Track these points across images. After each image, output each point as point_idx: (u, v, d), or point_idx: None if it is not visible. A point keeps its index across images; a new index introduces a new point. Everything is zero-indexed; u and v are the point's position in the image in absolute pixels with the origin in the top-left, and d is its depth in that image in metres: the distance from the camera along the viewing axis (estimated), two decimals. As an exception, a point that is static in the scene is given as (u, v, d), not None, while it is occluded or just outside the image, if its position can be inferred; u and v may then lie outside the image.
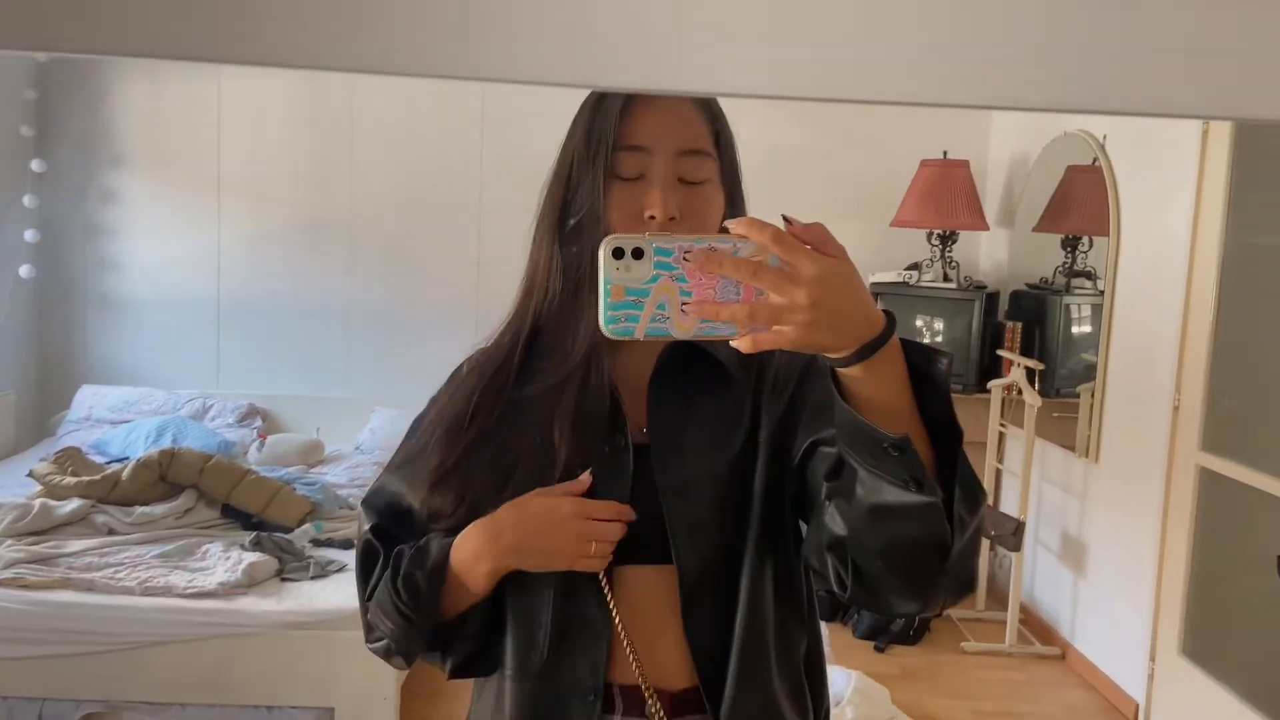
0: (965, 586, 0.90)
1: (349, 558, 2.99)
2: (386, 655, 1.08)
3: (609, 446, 1.01)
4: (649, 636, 1.00)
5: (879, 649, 3.67)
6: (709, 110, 1.01)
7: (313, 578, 2.84)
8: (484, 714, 1.08)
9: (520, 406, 1.02)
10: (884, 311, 0.79)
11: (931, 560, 0.85)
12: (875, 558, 0.87)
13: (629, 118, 0.97)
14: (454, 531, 1.01)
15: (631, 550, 0.99)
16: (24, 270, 4.26)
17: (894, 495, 0.83)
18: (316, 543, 3.11)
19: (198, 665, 2.62)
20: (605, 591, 0.99)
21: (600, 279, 0.75)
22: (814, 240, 0.75)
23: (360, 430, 4.30)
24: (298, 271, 4.53)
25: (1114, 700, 3.40)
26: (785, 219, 0.77)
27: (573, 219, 1.00)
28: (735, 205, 1.04)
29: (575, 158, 1.00)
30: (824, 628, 3.88)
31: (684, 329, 0.75)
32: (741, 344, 0.76)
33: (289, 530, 3.15)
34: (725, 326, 0.75)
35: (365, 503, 1.11)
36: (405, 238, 4.52)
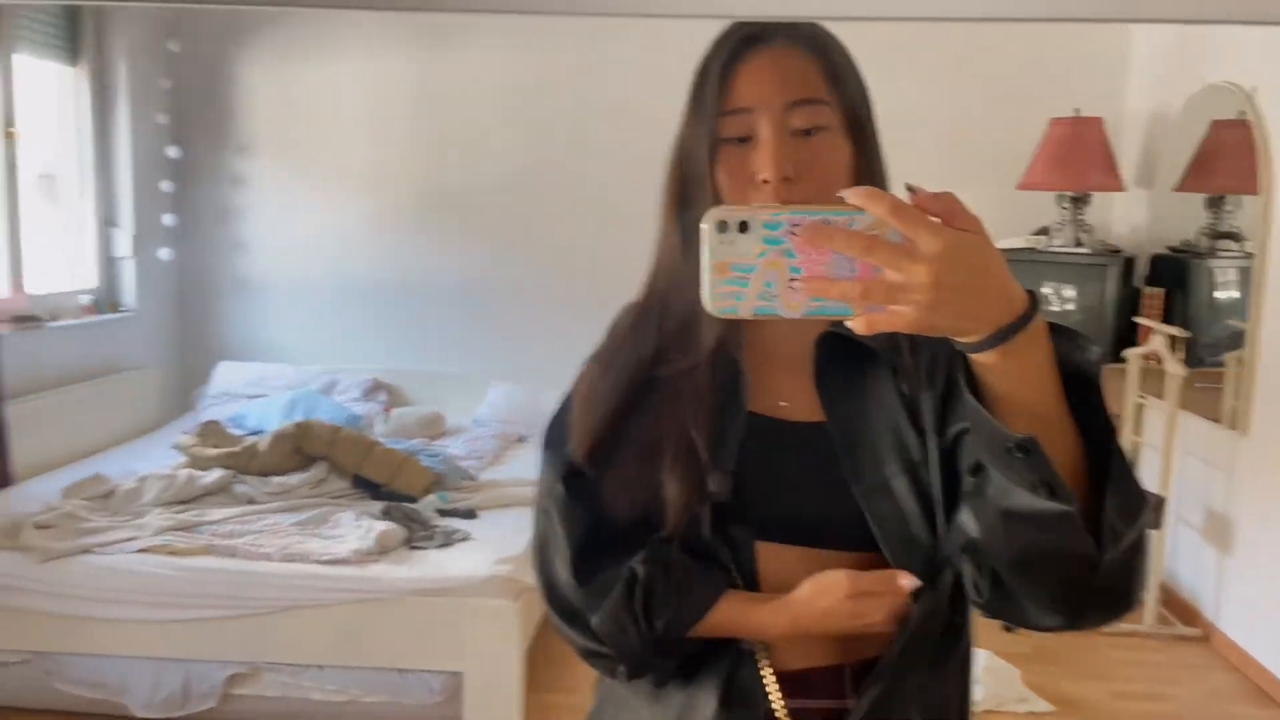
0: (1122, 604, 0.81)
1: (473, 527, 3.05)
2: (591, 654, 1.02)
3: (723, 415, 0.98)
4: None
5: (1008, 628, 3.55)
6: (822, 54, 0.94)
7: (439, 546, 2.90)
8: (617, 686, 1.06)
9: (655, 390, 0.99)
10: (1028, 292, 0.71)
11: (1074, 573, 0.77)
12: (1009, 566, 0.81)
13: (730, 79, 0.92)
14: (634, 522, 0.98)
15: (774, 528, 0.97)
16: (163, 253, 4.46)
17: (1024, 500, 0.75)
18: (441, 512, 3.18)
19: (333, 629, 2.70)
20: (736, 576, 0.97)
21: (703, 254, 0.70)
22: (941, 211, 0.67)
23: (478, 404, 4.38)
24: (417, 249, 4.63)
25: (1263, 684, 3.21)
26: (909, 188, 0.70)
27: (688, 190, 0.96)
28: (865, 152, 0.96)
29: (685, 129, 0.96)
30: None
31: (793, 307, 0.69)
32: (856, 325, 0.69)
33: (414, 500, 3.22)
34: (837, 305, 0.69)
35: (550, 445, 1.04)
36: (520, 213, 4.57)
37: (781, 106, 0.91)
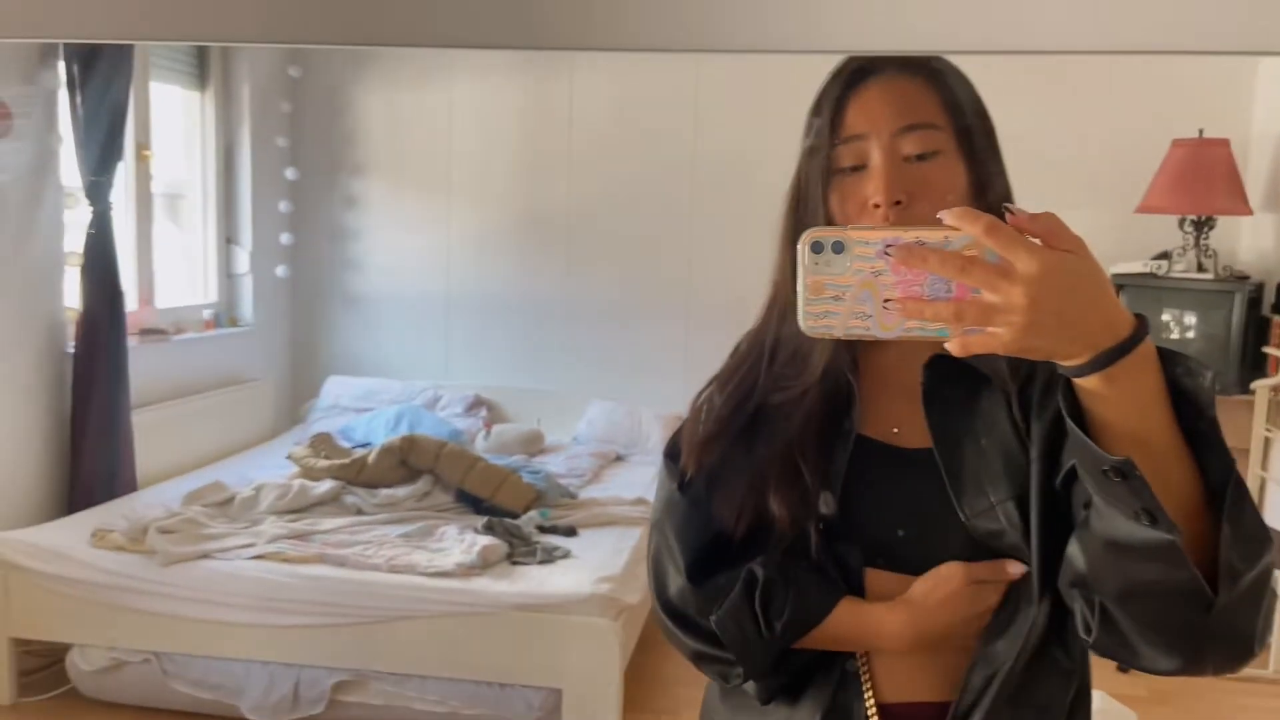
0: (1242, 649, 0.77)
1: (573, 545, 3.07)
2: (709, 661, 1.02)
3: (832, 434, 0.98)
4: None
5: (1123, 669, 3.41)
6: (934, 79, 0.94)
7: (540, 562, 2.92)
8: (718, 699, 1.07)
9: (768, 416, 1.01)
10: (1135, 316, 0.68)
11: (1185, 612, 0.74)
12: (1115, 600, 0.78)
13: (843, 109, 0.94)
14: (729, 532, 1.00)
15: (877, 552, 0.98)
16: (280, 270, 4.64)
17: (1126, 529, 0.72)
18: (542, 529, 3.20)
19: (437, 640, 2.75)
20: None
21: (799, 274, 0.71)
22: (1042, 232, 0.66)
23: (577, 421, 4.41)
24: (519, 268, 4.71)
25: (1407, 742, 3.01)
26: (1007, 209, 0.68)
27: (803, 221, 0.97)
28: (985, 174, 0.95)
29: (801, 160, 0.98)
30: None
31: (888, 328, 0.69)
32: (951, 347, 0.68)
33: (516, 516, 3.26)
34: (933, 327, 0.68)
35: (669, 455, 1.07)
36: (620, 233, 4.61)
37: (891, 132, 0.92)
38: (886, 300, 0.69)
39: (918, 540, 0.96)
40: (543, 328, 4.71)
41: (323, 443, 3.61)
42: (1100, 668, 3.34)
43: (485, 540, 2.94)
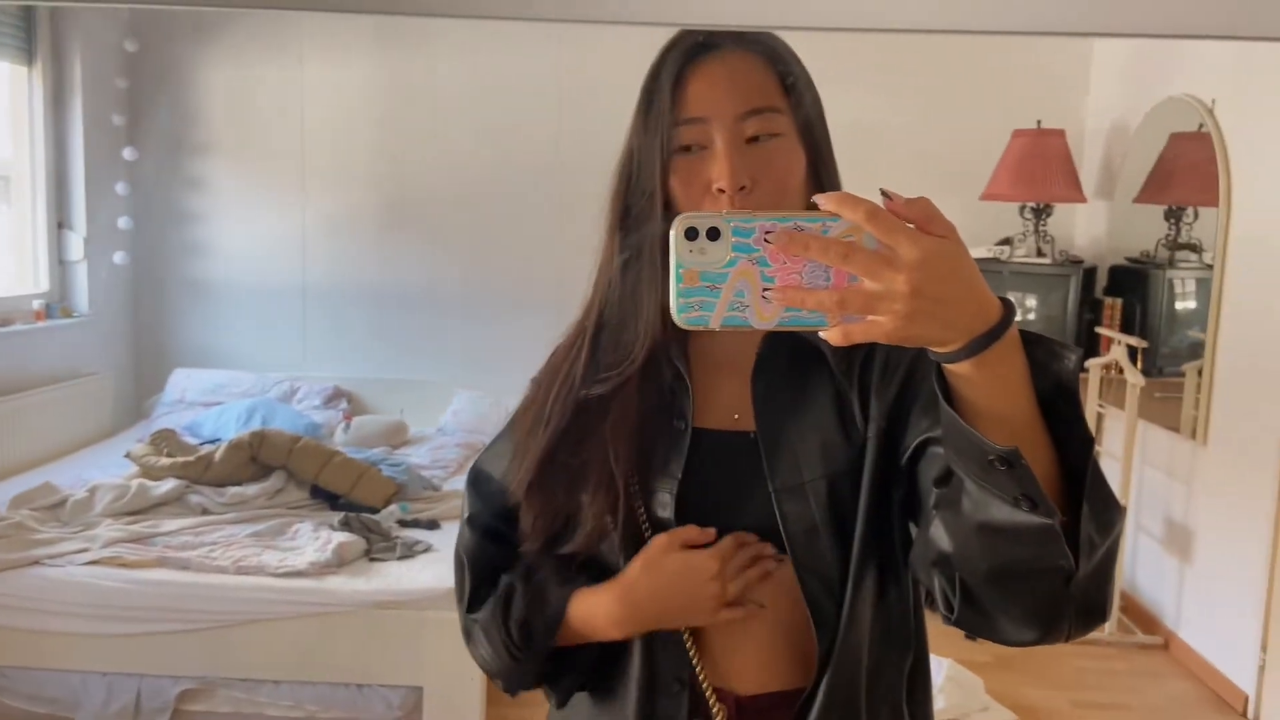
0: (1095, 616, 0.78)
1: (435, 539, 3.01)
2: (489, 675, 1.06)
3: (668, 431, 0.96)
4: (731, 639, 0.96)
5: (971, 636, 3.56)
6: (774, 60, 0.92)
7: (400, 558, 2.85)
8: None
9: (588, 408, 0.97)
10: (1001, 300, 0.68)
11: (1050, 587, 0.75)
12: (984, 580, 0.78)
13: (683, 88, 0.90)
14: (544, 541, 0.99)
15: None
16: (118, 256, 4.37)
17: (1004, 514, 0.72)
18: (403, 523, 3.13)
19: (289, 643, 2.65)
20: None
21: (672, 263, 0.67)
22: (917, 218, 0.65)
23: (443, 412, 4.32)
24: (380, 254, 4.57)
25: (1221, 692, 3.24)
26: (884, 193, 0.67)
27: (635, 203, 0.94)
28: (820, 160, 0.95)
29: (634, 139, 0.94)
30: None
31: (765, 318, 0.67)
32: (831, 335, 0.66)
33: (375, 511, 3.17)
34: (812, 316, 0.66)
35: (471, 484, 1.08)
36: (486, 219, 4.53)
37: (735, 115, 0.89)
38: (766, 290, 0.66)
39: (756, 525, 0.94)
40: (406, 316, 4.59)
41: (165, 440, 3.43)
42: (948, 637, 3.46)
43: (341, 537, 2.85)
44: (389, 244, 4.57)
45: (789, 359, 0.96)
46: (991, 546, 0.75)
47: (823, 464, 0.93)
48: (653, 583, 0.94)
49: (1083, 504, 0.72)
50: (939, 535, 0.80)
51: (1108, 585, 0.77)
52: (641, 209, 0.93)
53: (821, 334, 0.67)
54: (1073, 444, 0.73)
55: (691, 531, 0.94)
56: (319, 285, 4.60)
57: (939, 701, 3.03)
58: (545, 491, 0.97)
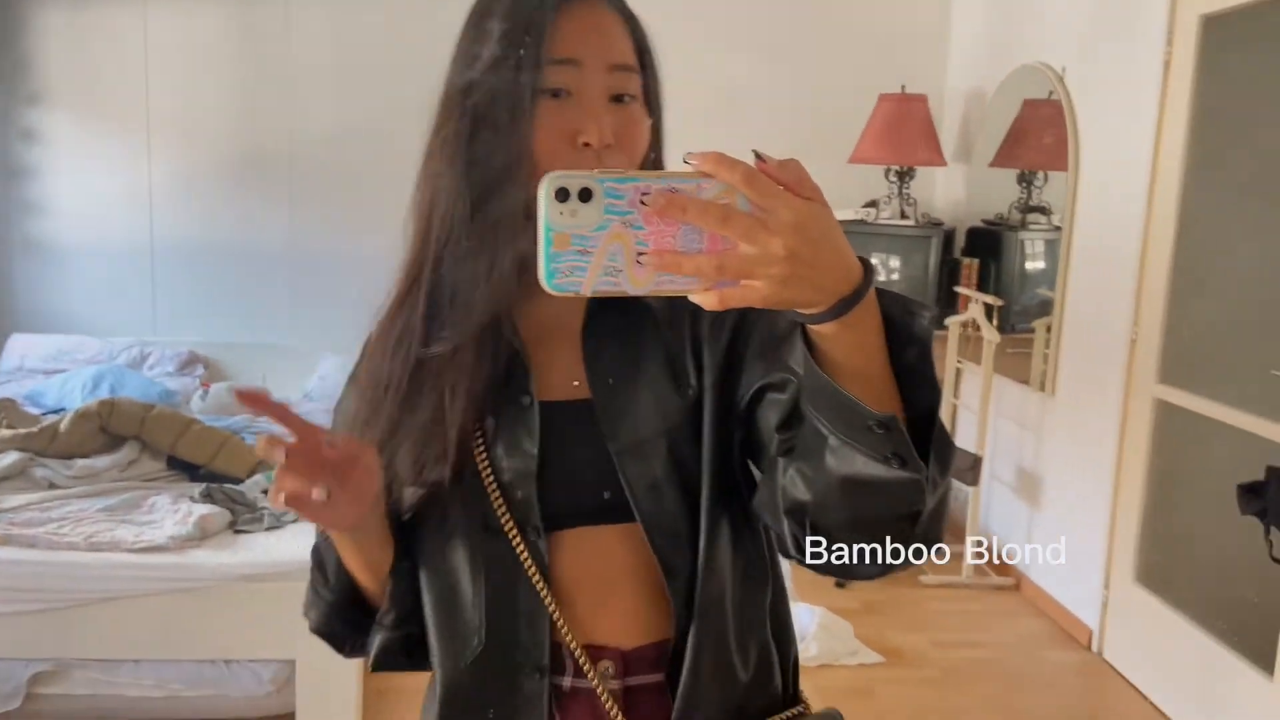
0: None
1: (304, 507, 2.90)
2: (321, 637, 1.06)
3: (514, 407, 0.93)
4: (598, 599, 0.94)
5: (840, 584, 3.70)
6: (633, 24, 0.90)
7: (268, 529, 2.75)
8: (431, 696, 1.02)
9: (427, 369, 0.91)
10: (862, 261, 0.69)
11: (902, 529, 0.78)
12: (842, 528, 0.80)
13: (557, 24, 0.84)
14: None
15: (574, 513, 0.93)
16: (-58, 213, 4.03)
17: (871, 469, 0.74)
18: (269, 493, 3.01)
19: (150, 621, 2.52)
20: (530, 570, 0.92)
21: (540, 225, 0.64)
22: (790, 180, 0.64)
23: (308, 377, 4.17)
24: (235, 212, 4.35)
25: (1068, 628, 3.47)
26: (757, 155, 0.66)
27: (484, 143, 0.87)
28: (657, 135, 0.92)
29: (487, 70, 0.86)
30: (786, 565, 3.85)
31: (639, 283, 0.65)
32: (706, 300, 0.65)
33: (239, 481, 3.04)
34: (685, 280, 0.65)
35: None
36: (349, 174, 4.35)
37: (607, 65, 0.86)
38: (641, 255, 0.64)
39: (595, 490, 0.92)
40: (265, 277, 4.40)
41: (5, 409, 3.19)
42: (816, 586, 3.58)
43: (203, 509, 2.72)
44: (244, 200, 4.36)
45: (618, 319, 0.93)
46: (855, 499, 0.77)
47: (660, 420, 0.92)
48: None
49: (929, 447, 0.74)
50: (794, 486, 0.81)
51: (945, 518, 0.81)
52: (495, 155, 0.86)
53: (694, 298, 0.66)
54: (922, 392, 0.75)
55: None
56: (168, 244, 4.35)
57: (811, 648, 3.14)
58: (393, 460, 0.92)
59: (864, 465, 0.74)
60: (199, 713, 2.62)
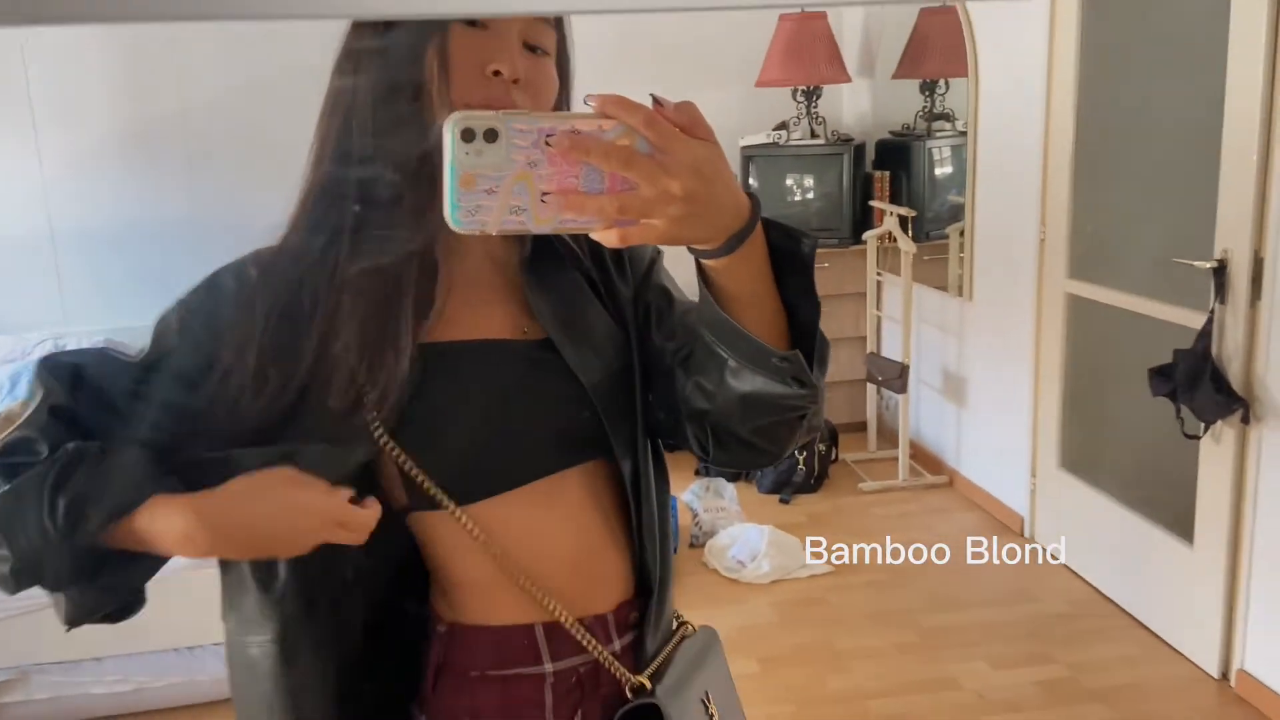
0: (815, 433, 0.94)
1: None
2: None
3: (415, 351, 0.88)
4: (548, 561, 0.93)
5: (784, 500, 3.82)
6: None
7: (215, 512, 2.73)
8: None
9: (337, 287, 0.88)
10: (749, 195, 0.75)
11: (794, 427, 0.87)
12: (746, 434, 0.87)
13: None
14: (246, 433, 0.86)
15: (542, 456, 0.93)
16: None
17: (771, 388, 0.81)
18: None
19: (107, 617, 2.50)
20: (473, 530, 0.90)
21: (446, 164, 0.65)
22: (685, 123, 0.69)
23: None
24: (135, 190, 4.20)
25: (1000, 516, 3.65)
26: (654, 98, 0.70)
27: (393, 61, 0.85)
28: (565, 90, 0.93)
29: None
30: (731, 488, 3.96)
31: (543, 221, 0.67)
32: (607, 238, 0.69)
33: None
34: (587, 219, 0.67)
35: (50, 370, 0.89)
36: (251, 140, 4.22)
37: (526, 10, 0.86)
38: (545, 194, 0.66)
39: (524, 441, 0.92)
40: (174, 254, 4.25)
41: (-80, 422, 3.08)
42: (764, 506, 3.65)
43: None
44: (142, 178, 4.20)
45: (551, 260, 0.95)
46: (753, 410, 0.84)
47: (613, 351, 0.95)
48: (252, 512, 0.84)
49: (813, 354, 0.82)
50: (695, 398, 0.88)
51: (823, 410, 0.90)
52: (410, 72, 0.84)
53: (595, 236, 0.69)
54: (806, 310, 0.81)
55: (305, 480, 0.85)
56: (69, 231, 4.19)
57: (764, 565, 3.25)
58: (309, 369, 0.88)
59: (764, 384, 0.81)
60: (171, 701, 2.61)
